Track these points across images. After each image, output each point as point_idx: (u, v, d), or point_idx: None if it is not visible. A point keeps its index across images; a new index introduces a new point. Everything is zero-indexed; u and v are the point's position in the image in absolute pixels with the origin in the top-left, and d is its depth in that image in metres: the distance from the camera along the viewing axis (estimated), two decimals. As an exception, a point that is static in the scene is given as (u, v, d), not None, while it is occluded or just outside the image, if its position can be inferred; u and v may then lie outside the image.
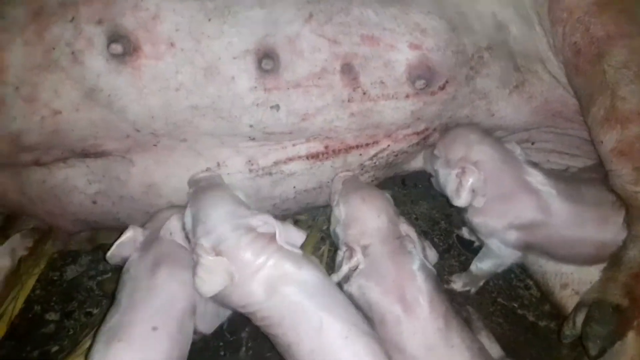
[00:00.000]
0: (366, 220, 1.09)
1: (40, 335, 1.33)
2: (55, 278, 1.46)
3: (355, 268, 1.04)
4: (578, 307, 1.06)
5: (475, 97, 1.23)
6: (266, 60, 1.04)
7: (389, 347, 0.97)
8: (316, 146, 1.18)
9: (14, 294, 1.39)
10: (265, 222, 1.00)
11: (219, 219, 1.00)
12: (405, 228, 1.11)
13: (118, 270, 1.42)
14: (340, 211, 1.13)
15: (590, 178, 1.22)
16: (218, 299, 1.00)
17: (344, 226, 1.11)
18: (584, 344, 0.99)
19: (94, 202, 1.23)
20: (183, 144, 1.15)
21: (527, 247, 1.16)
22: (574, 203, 1.11)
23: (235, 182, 1.17)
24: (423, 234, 1.45)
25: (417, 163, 1.37)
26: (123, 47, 1.02)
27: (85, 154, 1.17)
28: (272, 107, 1.08)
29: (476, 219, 1.17)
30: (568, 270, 1.23)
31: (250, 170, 1.18)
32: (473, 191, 1.12)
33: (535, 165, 1.20)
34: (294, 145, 1.17)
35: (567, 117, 1.28)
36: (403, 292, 1.00)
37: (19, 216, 1.43)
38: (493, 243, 1.18)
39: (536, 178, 1.14)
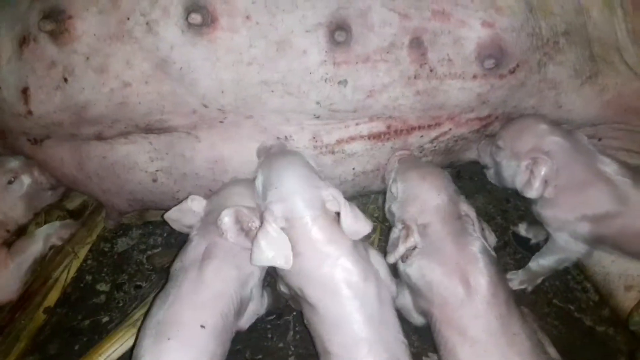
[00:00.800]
0: (426, 198, 1.08)
1: (91, 305, 1.36)
2: (106, 249, 1.51)
3: (413, 248, 1.03)
4: None
5: (545, 86, 1.20)
6: (339, 32, 1.05)
7: (449, 329, 0.96)
8: (378, 126, 1.18)
9: (66, 262, 1.44)
10: (334, 198, 0.99)
11: (293, 185, 1.00)
12: (466, 208, 1.09)
13: (168, 245, 1.49)
14: (397, 188, 1.13)
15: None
16: (279, 272, 1.00)
17: (401, 204, 1.11)
18: None
19: (154, 180, 1.24)
20: (249, 121, 1.16)
21: (597, 241, 1.13)
22: None
23: None
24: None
25: (473, 153, 1.36)
26: (202, 17, 1.03)
27: (149, 129, 1.18)
28: (339, 83, 1.08)
29: (547, 211, 1.15)
30: (634, 272, 1.19)
31: (315, 147, 1.18)
32: (545, 182, 1.10)
33: (607, 154, 1.17)
34: (357, 124, 1.17)
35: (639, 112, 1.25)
36: (466, 275, 0.98)
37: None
38: (561, 237, 1.15)
39: (611, 167, 1.12)
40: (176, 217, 1.12)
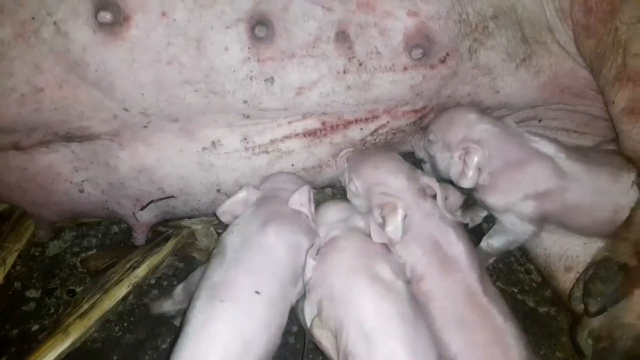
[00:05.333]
0: (386, 183, 1.13)
1: (20, 313, 1.34)
2: (36, 254, 1.48)
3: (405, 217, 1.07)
4: (587, 268, 1.10)
5: (479, 72, 1.24)
6: (259, 27, 1.06)
7: (431, 301, 1.04)
8: (313, 123, 1.20)
9: None
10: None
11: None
12: (426, 180, 1.15)
13: (103, 246, 1.48)
14: (355, 186, 1.17)
15: (595, 147, 1.28)
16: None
17: (365, 198, 1.15)
18: (584, 301, 1.03)
19: (81, 191, 1.24)
20: (174, 125, 1.16)
21: (543, 219, 1.18)
22: (586, 164, 1.15)
23: (232, 162, 1.19)
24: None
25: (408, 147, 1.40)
26: (113, 15, 1.02)
27: (70, 138, 1.17)
28: (266, 80, 1.09)
29: (489, 197, 1.20)
30: (573, 253, 1.26)
31: (246, 149, 1.19)
32: (479, 170, 1.16)
33: (537, 134, 1.23)
34: (289, 122, 1.19)
35: (577, 92, 1.30)
36: (440, 251, 1.07)
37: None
38: (507, 219, 1.21)
39: (542, 144, 1.18)
40: (229, 210, 1.14)
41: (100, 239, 1.51)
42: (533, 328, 1.30)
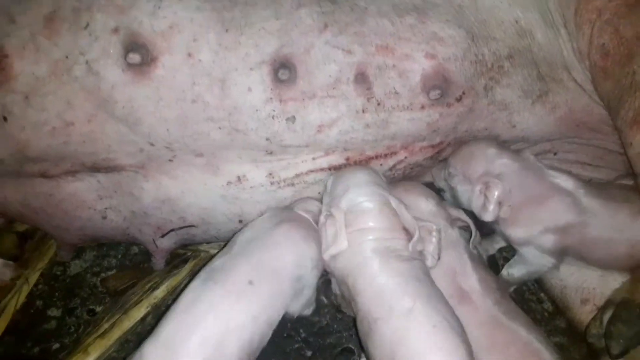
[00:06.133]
0: (417, 207, 1.17)
1: (41, 332, 1.39)
2: (58, 273, 1.54)
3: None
4: (606, 305, 1.11)
5: (495, 108, 1.27)
6: (283, 70, 1.10)
7: None
8: (337, 159, 1.24)
9: (16, 288, 1.47)
10: (398, 203, 1.09)
11: (361, 181, 1.12)
12: (455, 212, 1.19)
13: (123, 267, 1.53)
14: None
15: (614, 182, 1.30)
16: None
17: None
18: (607, 343, 1.04)
19: (104, 218, 1.29)
20: (200, 159, 1.20)
21: (563, 252, 1.21)
22: (605, 200, 1.17)
23: (257, 195, 1.24)
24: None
25: (429, 177, 1.43)
26: (141, 56, 1.07)
27: (96, 168, 1.22)
28: (287, 119, 1.14)
29: (510, 230, 1.23)
30: (590, 285, 1.28)
31: (272, 183, 1.23)
32: (499, 203, 1.19)
33: (556, 168, 1.26)
34: (313, 159, 1.23)
35: (592, 127, 1.32)
36: (456, 280, 1.11)
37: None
38: (528, 252, 1.24)
39: (562, 179, 1.21)
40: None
41: (120, 259, 1.56)
42: None
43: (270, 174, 1.23)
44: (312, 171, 1.24)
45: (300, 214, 1.16)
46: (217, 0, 1.12)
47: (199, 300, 0.95)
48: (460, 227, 1.20)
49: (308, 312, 1.18)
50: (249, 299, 0.97)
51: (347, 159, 1.24)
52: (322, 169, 1.24)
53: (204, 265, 1.05)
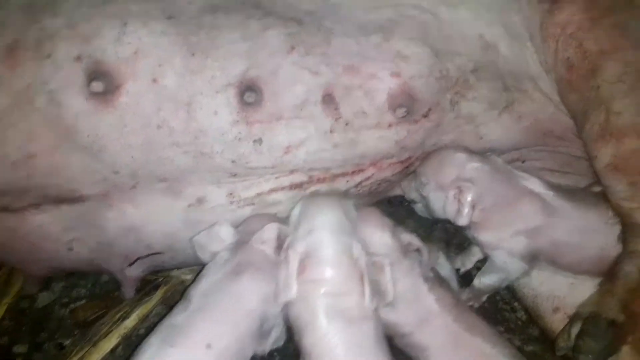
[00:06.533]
0: (371, 241, 1.15)
1: None
2: (25, 307, 1.49)
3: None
4: (573, 319, 1.12)
5: (462, 121, 1.29)
6: (249, 93, 1.10)
7: (413, 351, 1.10)
8: (300, 177, 1.24)
9: None
10: (359, 253, 1.05)
11: (326, 225, 1.07)
12: (407, 238, 1.18)
13: (93, 296, 1.50)
14: None
15: (582, 188, 1.33)
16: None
17: None
18: (575, 357, 1.06)
19: (70, 249, 1.26)
20: (162, 184, 1.19)
21: (534, 256, 1.23)
22: (575, 203, 1.20)
23: (217, 215, 1.22)
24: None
25: (398, 190, 1.45)
26: (104, 84, 1.06)
27: (60, 200, 1.20)
28: (254, 141, 1.14)
29: (481, 234, 1.25)
30: (561, 294, 1.30)
31: (232, 202, 1.23)
32: (473, 207, 1.21)
33: (525, 171, 1.29)
34: (276, 177, 1.23)
35: (559, 135, 1.35)
36: (416, 304, 1.11)
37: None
38: (498, 256, 1.25)
39: (532, 182, 1.24)
40: (204, 242, 1.14)
41: (90, 288, 1.53)
42: None
43: (230, 194, 1.22)
44: (273, 190, 1.24)
45: (257, 249, 1.10)
46: (182, 24, 1.12)
47: None
48: (416, 250, 1.19)
49: (280, 343, 1.15)
50: None
51: (311, 177, 1.24)
52: (282, 188, 1.24)
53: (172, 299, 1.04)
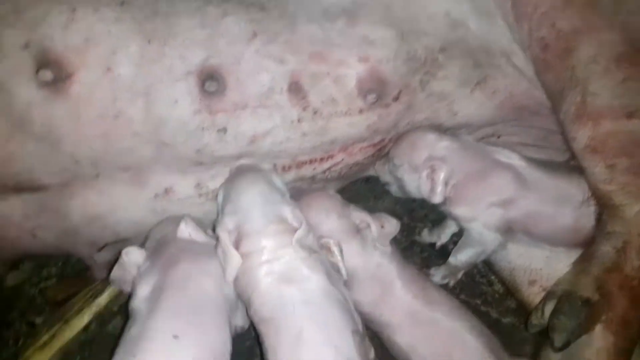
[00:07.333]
0: (318, 224, 1.15)
1: None
2: None
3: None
4: (547, 297, 1.12)
5: (434, 100, 1.27)
6: (210, 82, 1.07)
7: (375, 327, 1.13)
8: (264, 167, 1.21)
9: None
10: (294, 216, 1.05)
11: (250, 199, 1.07)
12: (358, 215, 1.18)
13: (63, 275, 1.50)
14: None
15: (558, 162, 1.34)
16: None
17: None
18: (550, 335, 1.06)
19: (34, 236, 1.25)
20: (126, 174, 1.17)
21: (509, 227, 1.25)
22: (547, 173, 1.22)
23: (185, 207, 1.21)
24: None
25: (370, 172, 1.45)
26: (53, 73, 1.03)
27: (19, 189, 1.18)
28: (218, 131, 1.11)
29: (456, 208, 1.27)
30: (537, 266, 1.33)
31: (200, 195, 1.22)
32: (445, 184, 1.24)
33: (496, 144, 1.32)
34: None
35: (533, 110, 1.34)
36: (375, 281, 1.13)
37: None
38: (474, 229, 1.27)
39: (504, 154, 1.26)
40: (120, 275, 1.10)
41: (60, 267, 1.53)
42: (497, 338, 1.33)
43: (198, 184, 1.21)
44: None
45: (186, 240, 1.09)
46: (137, 10, 1.07)
47: None
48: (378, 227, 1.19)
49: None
50: (181, 352, 0.90)
51: (274, 165, 1.23)
52: None
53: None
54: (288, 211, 1.06)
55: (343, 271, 1.07)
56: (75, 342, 1.35)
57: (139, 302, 0.99)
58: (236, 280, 1.01)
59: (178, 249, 1.06)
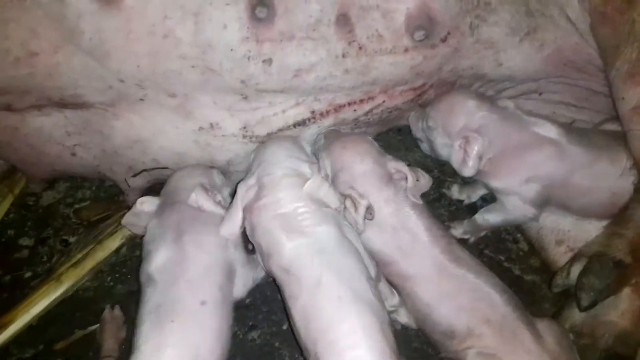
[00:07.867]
0: (351, 166, 1.16)
1: (13, 260, 1.41)
2: (30, 203, 1.54)
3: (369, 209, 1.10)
4: (575, 258, 1.14)
5: (481, 47, 1.25)
6: (260, 7, 1.06)
7: (401, 280, 1.13)
8: (303, 112, 1.24)
9: None
10: (311, 171, 1.10)
11: (273, 153, 1.13)
12: (394, 165, 1.18)
13: (97, 198, 1.54)
14: (325, 164, 1.21)
15: (596, 128, 1.31)
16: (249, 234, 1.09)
17: (333, 179, 1.19)
18: (577, 294, 1.07)
19: (73, 154, 1.28)
20: (172, 100, 1.18)
21: (545, 202, 1.24)
22: (586, 147, 1.19)
23: (228, 144, 1.23)
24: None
25: (405, 121, 1.43)
26: None
27: (63, 104, 1.19)
28: (264, 61, 1.11)
29: (492, 181, 1.25)
30: (565, 227, 1.32)
31: (244, 137, 1.23)
32: (479, 158, 1.20)
33: (536, 115, 1.27)
34: (284, 111, 1.23)
35: (579, 66, 1.31)
36: (401, 234, 1.13)
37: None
38: (510, 201, 1.26)
39: (543, 127, 1.22)
40: (133, 221, 1.16)
41: (95, 190, 1.56)
42: (518, 295, 1.34)
43: (244, 127, 1.23)
44: (281, 130, 1.25)
45: (193, 207, 1.12)
46: None
47: (164, 347, 0.93)
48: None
49: (258, 275, 1.19)
50: (209, 320, 0.98)
51: (313, 112, 1.24)
52: (288, 127, 1.25)
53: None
54: (306, 167, 1.10)
55: (360, 224, 1.09)
56: (107, 263, 1.40)
57: (155, 271, 1.04)
58: (253, 231, 1.06)
59: (183, 216, 1.10)
